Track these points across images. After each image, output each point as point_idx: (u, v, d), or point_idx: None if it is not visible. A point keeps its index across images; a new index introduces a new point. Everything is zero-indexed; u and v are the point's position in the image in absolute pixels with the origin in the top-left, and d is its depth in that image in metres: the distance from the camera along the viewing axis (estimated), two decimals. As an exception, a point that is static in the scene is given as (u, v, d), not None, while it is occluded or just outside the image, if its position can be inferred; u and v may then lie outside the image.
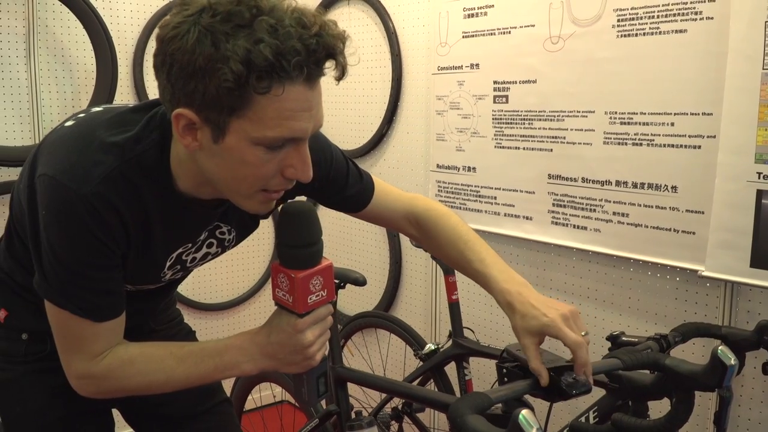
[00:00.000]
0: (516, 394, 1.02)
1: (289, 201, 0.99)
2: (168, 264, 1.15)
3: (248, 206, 1.02)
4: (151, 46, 2.82)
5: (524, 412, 0.83)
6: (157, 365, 1.06)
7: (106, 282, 1.03)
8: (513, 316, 1.12)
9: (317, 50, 0.87)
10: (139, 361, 1.06)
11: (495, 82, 2.28)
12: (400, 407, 2.32)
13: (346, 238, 3.04)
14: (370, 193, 1.33)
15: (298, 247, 0.98)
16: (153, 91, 2.83)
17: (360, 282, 1.85)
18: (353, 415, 1.74)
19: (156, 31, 0.92)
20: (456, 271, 2.19)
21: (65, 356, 1.06)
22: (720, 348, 1.09)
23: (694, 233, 1.79)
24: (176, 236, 1.12)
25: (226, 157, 0.93)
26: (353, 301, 2.99)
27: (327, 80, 0.95)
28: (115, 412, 1.39)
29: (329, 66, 0.92)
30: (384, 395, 2.34)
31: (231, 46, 0.83)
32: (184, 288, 3.00)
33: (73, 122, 1.07)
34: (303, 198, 1.16)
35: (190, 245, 1.15)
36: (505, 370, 1.13)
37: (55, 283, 1.01)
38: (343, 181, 1.28)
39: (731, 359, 1.08)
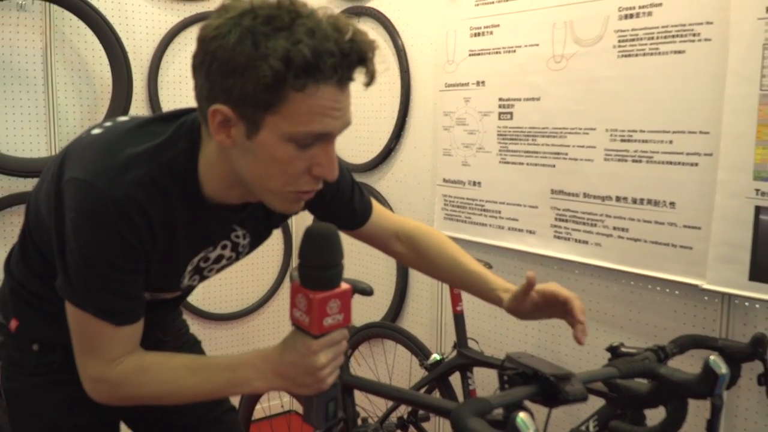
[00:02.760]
0: (516, 399, 1.04)
1: (312, 223, 1.01)
2: (189, 269, 1.17)
3: (279, 205, 1.04)
4: (166, 61, 2.91)
5: (521, 414, 0.87)
6: (169, 375, 1.07)
7: (129, 285, 1.05)
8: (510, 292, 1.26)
9: (350, 54, 0.92)
10: (153, 369, 1.07)
11: (500, 99, 2.33)
12: (405, 416, 2.36)
13: (354, 251, 3.08)
14: (369, 210, 1.39)
15: (318, 269, 0.98)
16: (167, 105, 2.91)
17: (367, 292, 1.89)
18: (359, 422, 1.79)
19: (197, 33, 0.95)
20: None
21: (81, 359, 1.08)
22: (712, 357, 1.12)
23: (691, 248, 1.84)
24: (199, 240, 1.14)
25: (258, 153, 0.97)
26: (361, 312, 3.02)
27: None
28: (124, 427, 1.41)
29: (359, 71, 0.96)
30: (390, 404, 2.38)
31: (271, 45, 0.88)
32: (194, 298, 3.05)
33: (100, 130, 1.10)
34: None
35: (211, 249, 1.18)
36: (506, 377, 1.16)
37: (79, 286, 1.02)
38: (349, 196, 1.33)
39: (722, 368, 1.11)
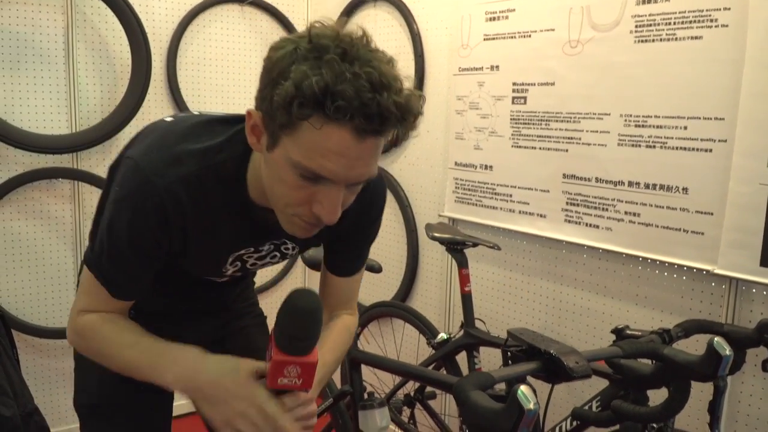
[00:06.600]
0: (518, 375, 1.06)
1: (298, 291, 0.97)
2: (229, 260, 1.21)
3: (285, 225, 1.04)
4: (185, 43, 2.94)
5: (523, 387, 0.86)
6: (114, 340, 1.12)
7: (139, 268, 1.11)
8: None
9: (370, 106, 0.87)
10: (106, 329, 1.12)
11: (514, 84, 2.34)
12: (412, 393, 2.39)
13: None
14: (352, 273, 1.34)
15: (289, 337, 0.97)
16: (185, 86, 2.94)
17: (375, 269, 1.93)
18: (366, 397, 1.82)
19: None
20: (469, 264, 2.27)
21: (74, 306, 1.16)
22: (716, 339, 1.11)
23: (703, 233, 1.84)
24: (241, 239, 1.17)
25: (271, 168, 0.98)
26: (371, 291, 3.06)
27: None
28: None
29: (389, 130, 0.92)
30: (397, 381, 2.41)
31: (296, 68, 0.88)
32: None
33: (171, 119, 1.16)
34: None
35: (252, 250, 1.21)
36: (509, 354, 1.18)
37: (98, 251, 1.10)
38: (358, 251, 1.31)
39: (726, 349, 1.10)
